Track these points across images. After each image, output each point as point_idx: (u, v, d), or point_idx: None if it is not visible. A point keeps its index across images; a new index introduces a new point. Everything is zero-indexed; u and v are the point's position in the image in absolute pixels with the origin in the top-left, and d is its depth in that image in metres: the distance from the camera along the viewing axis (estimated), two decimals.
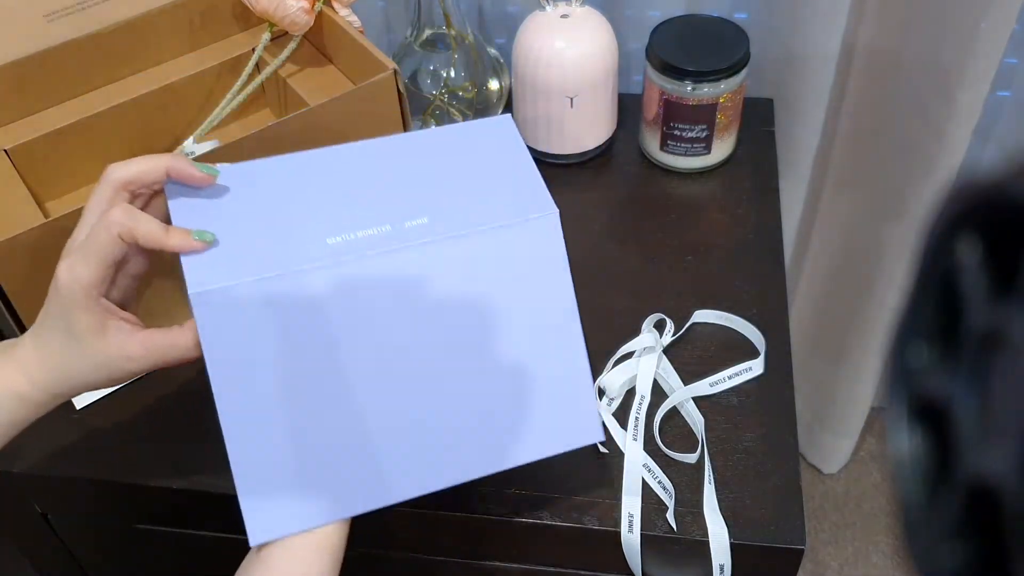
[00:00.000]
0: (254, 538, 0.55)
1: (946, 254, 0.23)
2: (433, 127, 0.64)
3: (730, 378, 0.74)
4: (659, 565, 0.68)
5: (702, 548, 0.66)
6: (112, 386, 0.57)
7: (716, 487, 0.67)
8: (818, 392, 1.32)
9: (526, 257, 0.59)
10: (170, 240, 0.54)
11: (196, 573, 0.84)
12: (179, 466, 0.71)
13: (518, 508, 0.67)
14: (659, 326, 0.77)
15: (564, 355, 0.60)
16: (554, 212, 0.59)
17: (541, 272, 0.59)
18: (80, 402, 0.75)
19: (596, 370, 0.74)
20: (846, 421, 1.34)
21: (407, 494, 0.57)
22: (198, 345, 0.54)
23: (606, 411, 0.72)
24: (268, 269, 0.54)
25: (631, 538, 0.66)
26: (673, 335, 0.77)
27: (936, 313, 0.24)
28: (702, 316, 0.78)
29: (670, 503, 0.66)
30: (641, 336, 0.76)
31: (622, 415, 0.72)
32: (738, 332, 0.78)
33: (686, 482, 0.68)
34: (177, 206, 0.57)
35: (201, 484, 0.70)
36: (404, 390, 0.57)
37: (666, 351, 0.76)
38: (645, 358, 0.74)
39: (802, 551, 0.65)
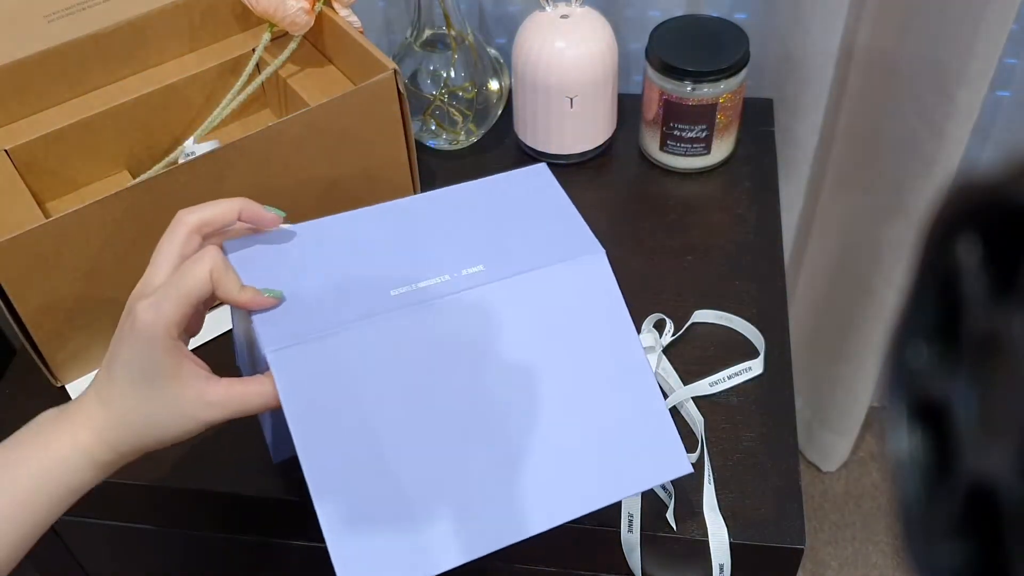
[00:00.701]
0: None
1: (946, 254, 0.23)
2: (473, 181, 0.65)
3: (730, 378, 0.74)
4: (659, 565, 0.68)
5: (702, 548, 0.66)
6: (181, 440, 0.53)
7: (716, 487, 0.67)
8: (817, 391, 1.32)
9: (581, 293, 0.61)
10: (242, 296, 0.54)
11: (196, 573, 0.84)
12: (179, 466, 0.71)
13: None
14: (659, 326, 0.77)
15: (638, 389, 0.60)
16: (600, 252, 0.62)
17: (598, 308, 0.61)
18: None
19: None
20: (845, 420, 1.34)
21: (500, 542, 0.54)
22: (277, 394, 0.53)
23: None
24: (338, 322, 0.55)
25: (631, 538, 0.66)
26: (673, 335, 0.77)
27: (936, 313, 0.24)
28: (702, 316, 0.79)
29: (670, 503, 0.66)
30: (641, 336, 0.76)
31: None
32: (738, 332, 0.78)
33: (686, 482, 0.68)
34: (237, 260, 0.57)
35: (201, 484, 0.70)
36: (483, 433, 0.56)
37: (666, 351, 0.76)
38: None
39: (802, 551, 0.65)
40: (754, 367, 0.74)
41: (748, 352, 0.76)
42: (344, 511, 0.52)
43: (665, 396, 0.73)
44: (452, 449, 0.55)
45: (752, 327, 0.77)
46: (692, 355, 0.76)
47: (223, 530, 0.76)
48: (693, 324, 0.78)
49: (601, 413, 0.59)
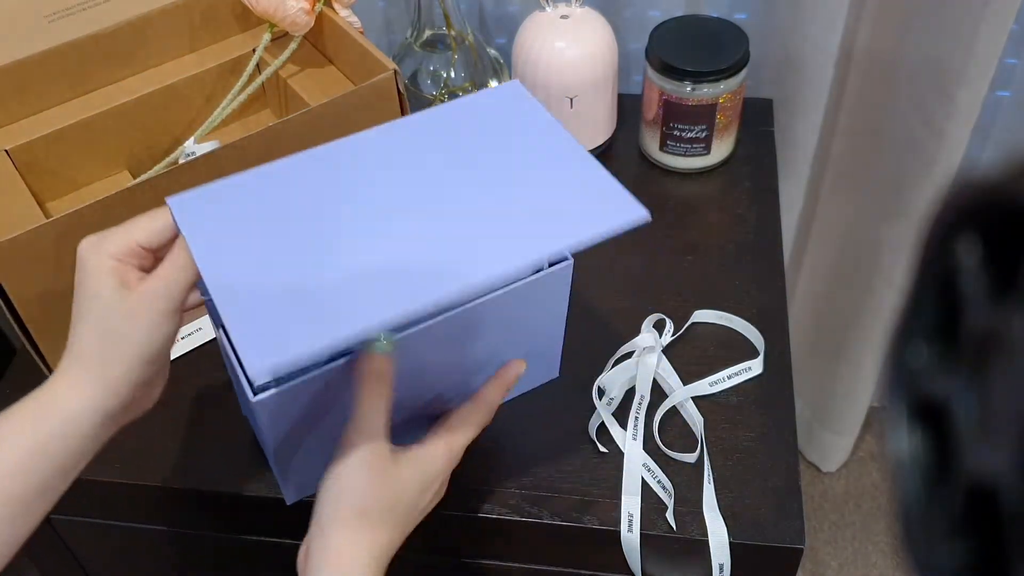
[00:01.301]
0: (254, 375, 0.49)
1: (946, 254, 0.23)
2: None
3: (729, 378, 0.74)
4: (659, 565, 0.68)
5: (702, 548, 0.66)
6: (163, 347, 0.52)
7: (716, 487, 0.67)
8: (817, 391, 1.32)
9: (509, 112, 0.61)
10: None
11: (196, 573, 0.84)
12: (179, 466, 0.71)
13: (518, 508, 0.67)
14: (659, 326, 0.78)
15: (579, 166, 0.59)
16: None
17: (529, 122, 0.61)
18: None
19: (596, 370, 0.74)
20: (845, 420, 1.34)
21: (429, 297, 0.51)
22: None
23: (606, 411, 0.72)
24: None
25: (631, 537, 0.66)
26: (673, 335, 0.77)
27: (936, 313, 0.24)
28: (702, 316, 0.79)
29: (669, 503, 0.66)
30: (641, 336, 0.76)
31: (622, 415, 0.72)
32: (737, 332, 0.78)
33: (686, 482, 0.68)
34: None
35: (201, 484, 0.70)
36: (404, 215, 0.55)
37: (666, 351, 0.76)
38: (645, 358, 0.74)
39: (801, 550, 0.65)
40: (754, 367, 0.74)
41: (748, 352, 0.76)
42: (247, 307, 0.51)
43: (665, 396, 0.73)
44: (367, 227, 0.54)
45: (752, 327, 0.77)
46: (692, 355, 0.76)
47: (222, 530, 0.76)
48: (693, 324, 0.78)
49: (541, 187, 0.57)
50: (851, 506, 1.40)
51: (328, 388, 0.57)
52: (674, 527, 0.66)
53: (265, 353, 0.48)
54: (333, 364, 0.56)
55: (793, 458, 0.69)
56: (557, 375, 0.74)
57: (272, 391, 0.55)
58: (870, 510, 1.39)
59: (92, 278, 0.52)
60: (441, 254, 0.54)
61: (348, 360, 0.56)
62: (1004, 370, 0.22)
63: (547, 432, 0.71)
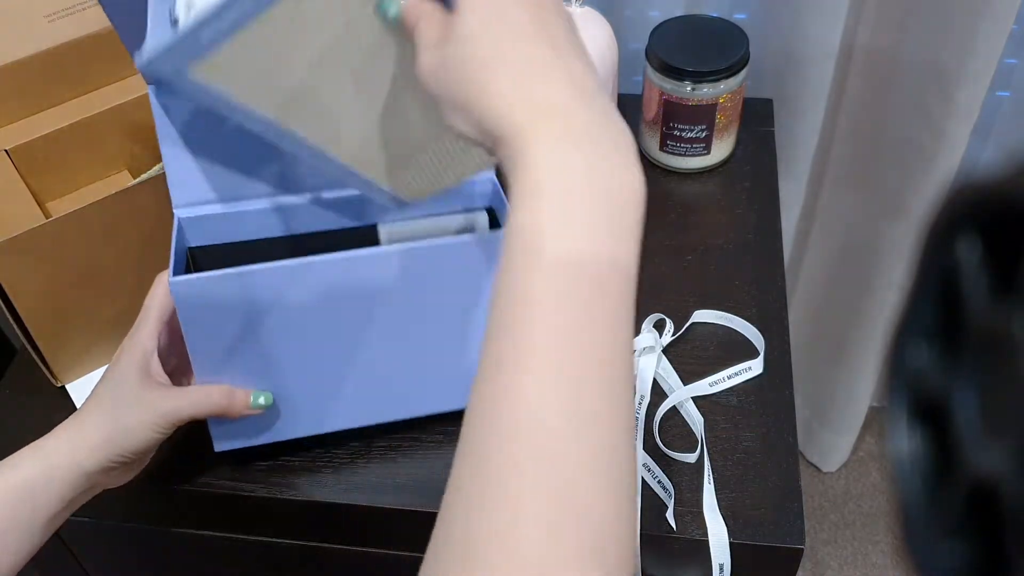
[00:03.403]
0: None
1: (946, 254, 0.23)
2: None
3: (729, 378, 0.74)
4: (659, 565, 0.68)
5: (702, 548, 0.66)
6: (149, 446, 0.61)
7: (716, 487, 0.67)
8: (817, 391, 1.32)
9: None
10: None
11: (196, 573, 0.84)
12: (179, 467, 0.71)
13: None
14: (659, 326, 0.78)
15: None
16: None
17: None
18: (80, 402, 0.75)
19: None
20: (845, 420, 1.34)
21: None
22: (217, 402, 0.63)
23: None
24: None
25: None
26: (672, 335, 0.77)
27: (936, 313, 0.24)
28: (701, 316, 0.79)
29: (669, 503, 0.66)
30: (641, 336, 0.76)
31: None
32: (737, 332, 0.78)
33: (686, 482, 0.68)
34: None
35: (201, 484, 0.70)
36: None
37: (665, 351, 0.76)
38: (645, 358, 0.74)
39: (801, 550, 0.65)
40: (754, 367, 0.74)
41: (748, 352, 0.76)
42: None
43: (665, 396, 0.73)
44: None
45: (752, 327, 0.77)
46: (692, 355, 0.76)
47: (223, 530, 0.75)
48: (693, 324, 0.78)
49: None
50: (851, 506, 1.40)
51: (251, 306, 0.61)
52: (674, 527, 0.66)
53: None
54: (253, 267, 0.60)
55: (793, 458, 0.69)
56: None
57: (188, 276, 0.59)
58: (870, 510, 1.39)
59: (123, 362, 0.60)
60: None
61: (270, 269, 0.60)
62: (1005, 370, 0.22)
63: None
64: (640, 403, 0.72)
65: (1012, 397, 0.22)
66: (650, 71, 0.88)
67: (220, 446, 0.67)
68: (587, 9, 0.88)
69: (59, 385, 0.75)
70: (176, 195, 0.63)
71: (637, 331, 0.77)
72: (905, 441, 0.25)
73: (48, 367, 0.73)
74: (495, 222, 0.70)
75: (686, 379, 0.74)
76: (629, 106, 0.96)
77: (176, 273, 0.60)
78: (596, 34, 0.87)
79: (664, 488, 0.67)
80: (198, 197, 0.64)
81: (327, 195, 0.67)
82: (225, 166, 0.63)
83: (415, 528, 0.71)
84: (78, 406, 0.75)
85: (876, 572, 1.33)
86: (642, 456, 0.69)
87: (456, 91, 0.41)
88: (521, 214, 0.37)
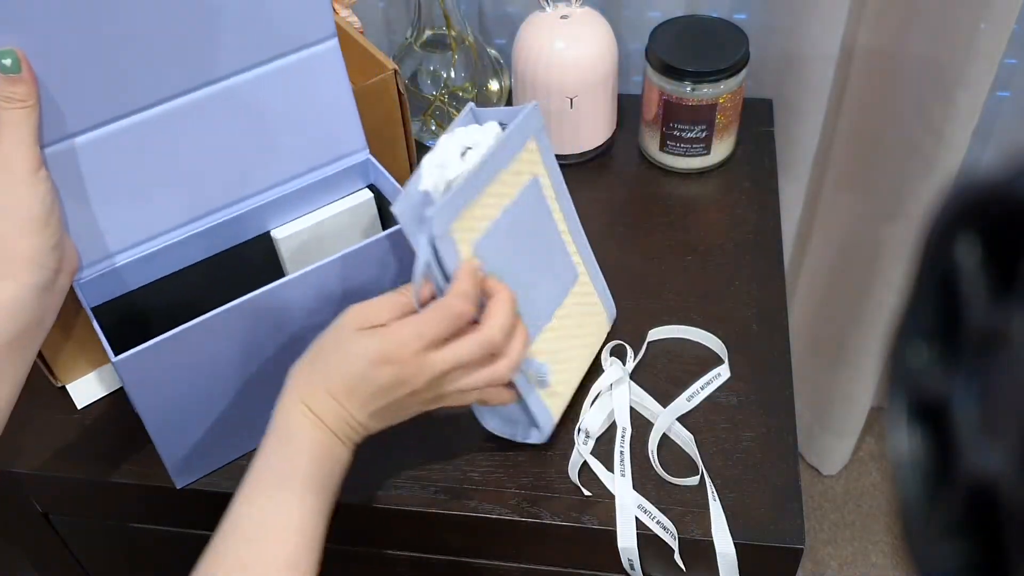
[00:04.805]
0: None
1: (946, 254, 0.24)
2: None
3: (703, 388, 0.73)
4: (659, 565, 0.68)
5: (702, 547, 0.66)
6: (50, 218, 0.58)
7: (716, 489, 0.67)
8: (817, 392, 1.32)
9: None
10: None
11: None
12: None
13: (518, 508, 0.67)
14: (617, 352, 0.76)
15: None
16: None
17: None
18: (80, 402, 0.75)
19: (576, 412, 0.72)
20: (845, 421, 1.34)
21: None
22: None
23: (586, 451, 0.69)
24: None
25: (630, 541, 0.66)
26: (635, 360, 0.75)
27: (936, 313, 0.24)
28: (657, 334, 0.77)
29: (674, 544, 0.65)
30: (607, 371, 0.73)
31: (608, 454, 0.69)
32: (697, 342, 0.77)
33: (691, 499, 0.68)
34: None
35: (201, 484, 0.70)
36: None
37: (633, 376, 0.74)
38: (617, 391, 0.72)
39: (801, 551, 0.65)
40: (722, 372, 0.74)
41: (711, 357, 0.75)
42: None
43: (648, 423, 0.71)
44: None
45: (709, 334, 0.76)
46: (661, 374, 0.75)
47: None
48: (651, 343, 0.77)
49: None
50: (851, 506, 1.40)
51: (194, 352, 0.62)
52: (683, 568, 0.65)
53: None
54: (190, 324, 0.61)
55: (793, 458, 0.69)
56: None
57: (132, 351, 0.60)
58: (870, 510, 1.39)
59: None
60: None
61: (205, 320, 0.61)
62: (1004, 370, 0.22)
63: None
64: (623, 436, 0.70)
65: (1011, 397, 0.22)
66: (650, 71, 0.88)
67: (181, 482, 0.69)
68: (587, 9, 0.89)
69: (59, 385, 0.75)
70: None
71: (636, 331, 0.77)
72: (905, 441, 0.25)
73: (48, 367, 0.73)
74: (379, 199, 0.72)
75: (661, 400, 0.72)
76: (629, 106, 0.96)
77: (108, 338, 0.62)
78: (596, 34, 0.87)
79: (665, 528, 0.65)
80: (89, 258, 0.64)
81: (210, 220, 0.68)
82: (106, 222, 0.64)
83: (415, 528, 0.71)
84: (78, 406, 0.75)
85: (876, 572, 1.33)
86: (634, 497, 0.67)
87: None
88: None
